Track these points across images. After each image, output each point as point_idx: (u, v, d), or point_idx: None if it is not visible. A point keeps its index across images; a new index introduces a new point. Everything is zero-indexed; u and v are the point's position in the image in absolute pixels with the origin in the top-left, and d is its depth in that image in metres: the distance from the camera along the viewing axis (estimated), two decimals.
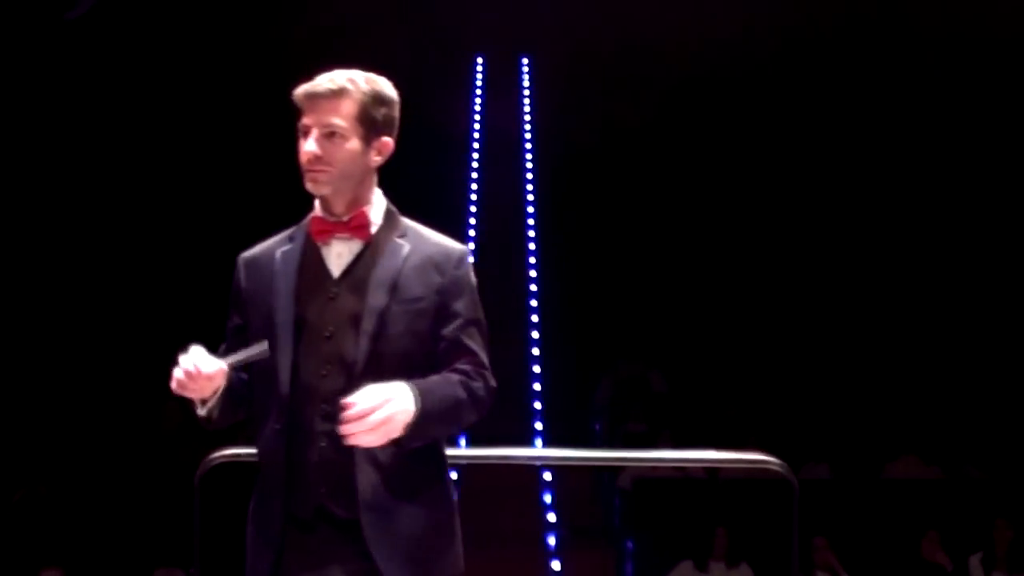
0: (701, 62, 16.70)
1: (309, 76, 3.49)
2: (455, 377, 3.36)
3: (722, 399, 13.01)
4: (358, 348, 3.34)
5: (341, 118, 3.38)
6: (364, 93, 3.41)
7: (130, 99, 16.14)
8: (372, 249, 3.42)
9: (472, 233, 15.71)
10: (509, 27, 17.49)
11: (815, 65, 16.74)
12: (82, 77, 16.13)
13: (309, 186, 3.40)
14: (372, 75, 3.47)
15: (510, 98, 17.68)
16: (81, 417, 12.36)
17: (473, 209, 16.23)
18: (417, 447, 3.33)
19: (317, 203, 3.48)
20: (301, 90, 3.42)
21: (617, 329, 14.30)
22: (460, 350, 3.40)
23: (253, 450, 3.50)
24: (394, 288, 3.37)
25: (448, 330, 3.39)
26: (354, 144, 3.40)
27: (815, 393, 13.19)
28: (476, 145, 17.34)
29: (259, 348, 3.34)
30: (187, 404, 3.43)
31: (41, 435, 12.07)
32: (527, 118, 17.54)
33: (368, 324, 3.34)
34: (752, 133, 16.45)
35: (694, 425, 12.33)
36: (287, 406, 3.37)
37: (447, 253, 3.45)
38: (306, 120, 3.40)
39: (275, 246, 3.51)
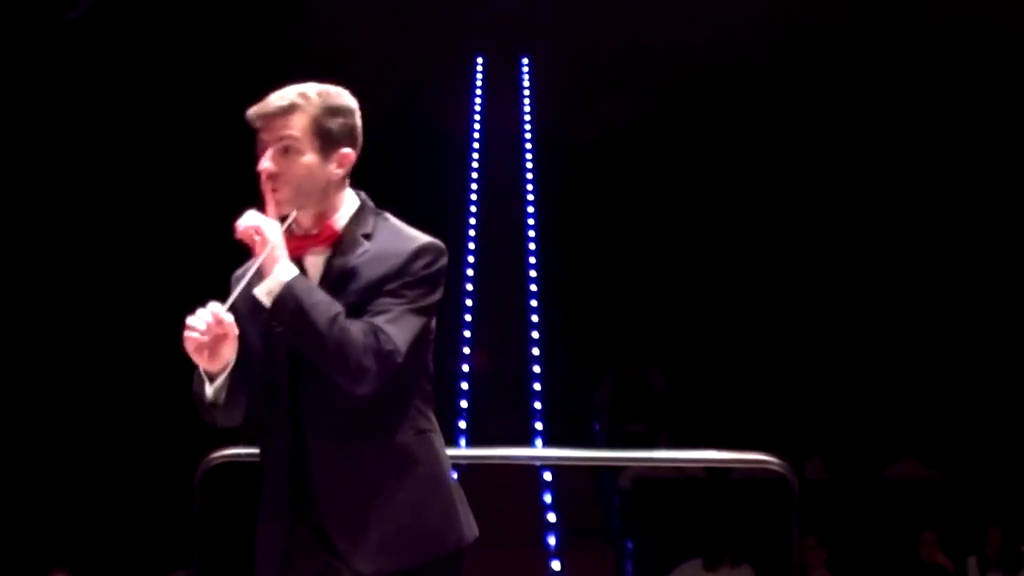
0: (702, 62, 16.69)
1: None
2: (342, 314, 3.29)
3: (722, 399, 13.00)
4: None
5: (295, 131, 3.32)
6: (315, 106, 3.34)
7: (130, 99, 16.14)
8: (336, 252, 3.37)
9: (472, 233, 15.69)
10: (509, 27, 17.48)
11: (816, 65, 16.73)
12: (82, 77, 16.12)
13: (271, 208, 3.32)
14: (326, 87, 3.41)
15: (510, 98, 17.67)
16: (84, 417, 12.36)
17: (473, 209, 16.21)
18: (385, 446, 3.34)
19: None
20: (253, 110, 3.35)
21: (617, 329, 14.29)
22: (369, 315, 3.31)
23: (253, 450, 3.50)
24: (350, 282, 3.32)
25: (374, 304, 3.31)
26: (310, 158, 3.33)
27: (815, 394, 13.18)
28: (476, 145, 17.32)
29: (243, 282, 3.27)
30: (192, 405, 3.41)
31: (44, 435, 12.06)
32: (527, 118, 17.53)
33: None
34: (753, 133, 16.45)
35: (694, 425, 12.32)
36: (289, 424, 3.37)
37: (407, 244, 3.37)
38: (263, 138, 3.34)
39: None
